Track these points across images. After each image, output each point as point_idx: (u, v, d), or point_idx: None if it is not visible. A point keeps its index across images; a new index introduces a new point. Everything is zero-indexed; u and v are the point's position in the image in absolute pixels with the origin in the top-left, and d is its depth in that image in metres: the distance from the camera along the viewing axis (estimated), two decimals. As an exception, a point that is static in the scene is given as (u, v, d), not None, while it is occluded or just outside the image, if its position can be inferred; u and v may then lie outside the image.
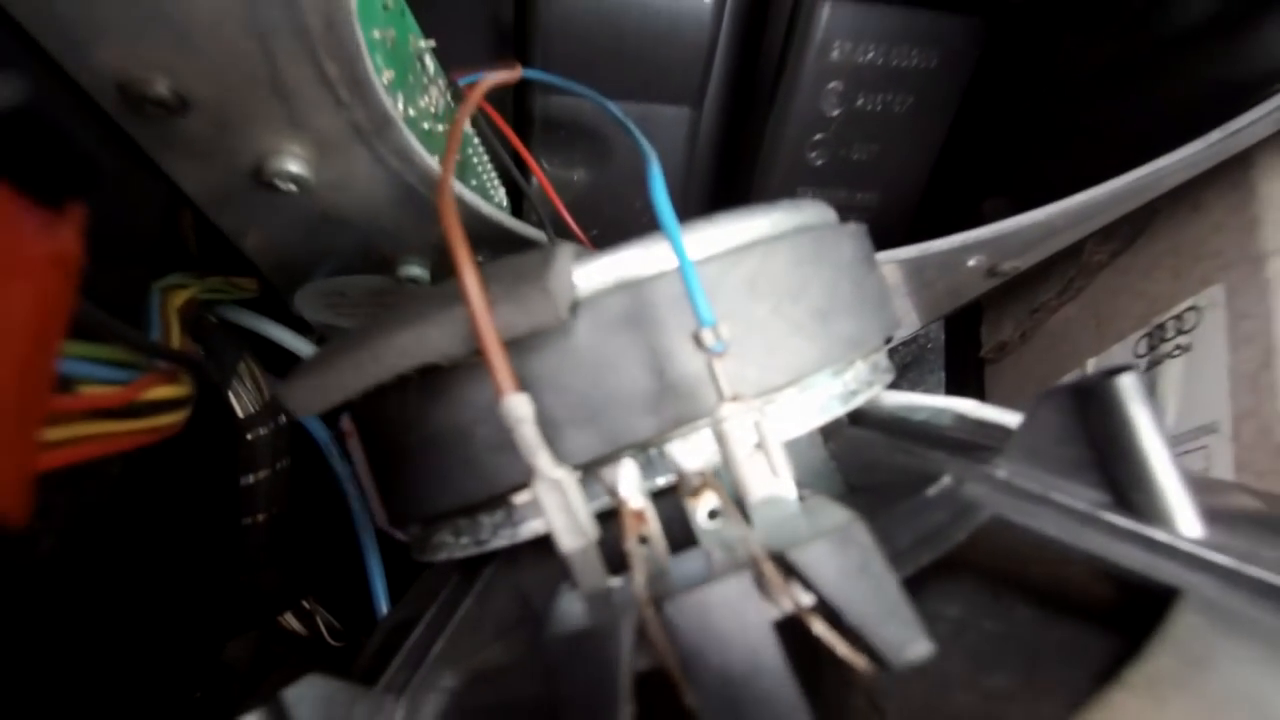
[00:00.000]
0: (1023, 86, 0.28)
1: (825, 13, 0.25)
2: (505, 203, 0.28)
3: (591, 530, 0.09)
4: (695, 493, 0.09)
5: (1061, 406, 0.11)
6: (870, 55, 0.27)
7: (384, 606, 0.27)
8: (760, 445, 0.09)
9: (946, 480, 0.11)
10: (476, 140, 0.25)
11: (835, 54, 0.26)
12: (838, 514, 0.09)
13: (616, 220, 0.31)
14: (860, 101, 0.28)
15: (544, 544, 0.12)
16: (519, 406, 0.09)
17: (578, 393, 0.11)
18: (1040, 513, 0.10)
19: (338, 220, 0.19)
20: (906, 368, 0.41)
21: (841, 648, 0.09)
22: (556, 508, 0.09)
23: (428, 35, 0.22)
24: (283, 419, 0.25)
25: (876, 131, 0.28)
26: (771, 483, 0.09)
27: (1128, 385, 0.10)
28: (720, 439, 0.10)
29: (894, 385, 0.15)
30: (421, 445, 0.12)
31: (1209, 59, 0.21)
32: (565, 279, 0.10)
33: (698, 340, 0.10)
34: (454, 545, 0.12)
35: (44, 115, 0.07)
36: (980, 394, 0.35)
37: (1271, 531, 0.11)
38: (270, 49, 0.13)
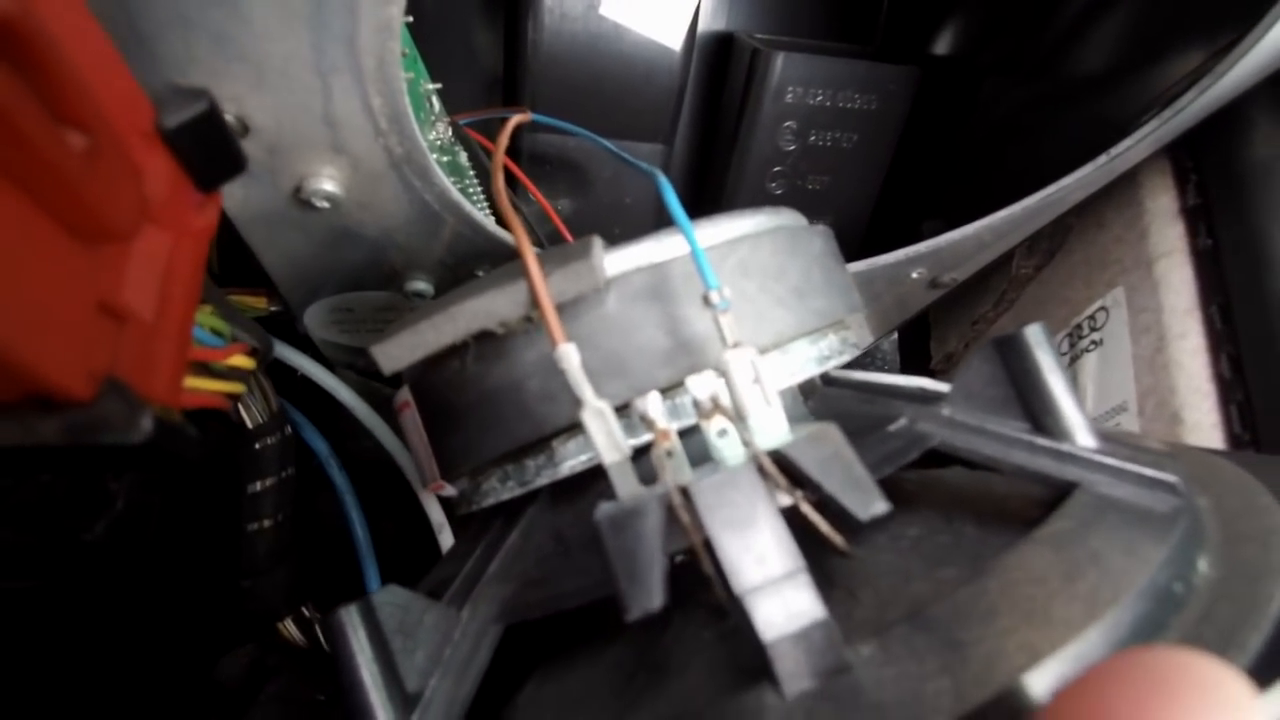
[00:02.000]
0: (951, 123, 0.33)
1: (779, 63, 0.30)
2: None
3: (626, 447, 0.12)
4: (708, 415, 0.12)
5: (989, 357, 0.14)
6: (820, 98, 0.31)
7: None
8: (756, 380, 0.12)
9: (903, 420, 0.14)
10: (472, 172, 0.29)
11: (789, 98, 0.31)
12: (815, 424, 0.12)
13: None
14: (813, 138, 0.32)
15: (573, 488, 0.15)
16: (570, 354, 0.12)
17: (609, 349, 0.14)
18: (977, 440, 0.13)
19: (358, 236, 0.22)
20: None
21: (823, 525, 0.12)
22: (599, 430, 0.12)
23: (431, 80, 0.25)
24: (288, 430, 0.27)
25: (828, 164, 0.33)
26: (764, 408, 0.12)
27: (1034, 334, 0.13)
28: (725, 374, 0.12)
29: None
30: (477, 401, 0.14)
31: (1094, 98, 0.25)
32: (601, 258, 0.13)
33: (706, 300, 0.13)
34: (501, 490, 0.15)
35: (219, 114, 0.10)
36: (933, 401, 0.39)
37: (1148, 448, 0.14)
38: (329, 85, 0.16)
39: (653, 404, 0.12)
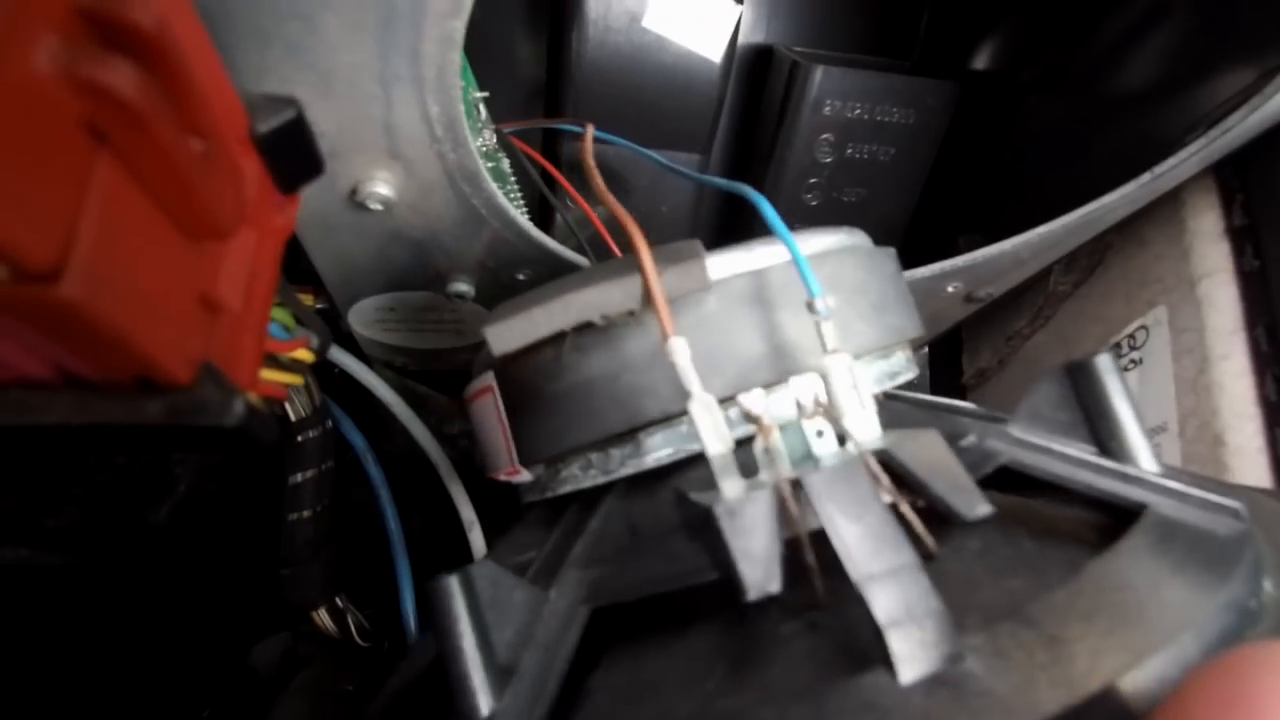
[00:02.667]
0: (989, 138, 0.33)
1: (818, 76, 0.30)
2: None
3: (729, 439, 0.12)
4: (810, 416, 0.13)
5: (1057, 381, 0.14)
6: (857, 112, 0.31)
7: (410, 606, 0.29)
8: (854, 385, 0.13)
9: (972, 436, 0.14)
10: (513, 178, 0.29)
11: (827, 110, 0.31)
12: (912, 430, 0.12)
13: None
14: (849, 151, 0.32)
15: (650, 482, 0.16)
16: (681, 347, 0.13)
17: (709, 347, 0.14)
18: (1046, 459, 0.14)
19: (406, 238, 0.23)
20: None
21: (919, 526, 0.12)
22: (706, 422, 0.12)
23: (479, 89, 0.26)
24: (329, 424, 0.28)
25: (864, 177, 0.33)
26: (860, 411, 0.13)
27: (1104, 362, 0.14)
28: (825, 377, 0.13)
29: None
30: (570, 390, 0.15)
31: (1138, 115, 0.25)
32: (705, 260, 0.14)
33: (810, 307, 0.13)
34: (581, 478, 0.16)
35: (305, 123, 0.11)
36: (964, 416, 0.39)
37: (1206, 477, 0.14)
38: (390, 93, 0.17)
39: (757, 400, 0.13)
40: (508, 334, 0.14)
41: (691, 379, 0.12)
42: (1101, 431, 0.14)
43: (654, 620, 0.14)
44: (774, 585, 0.10)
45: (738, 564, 0.10)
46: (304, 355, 0.15)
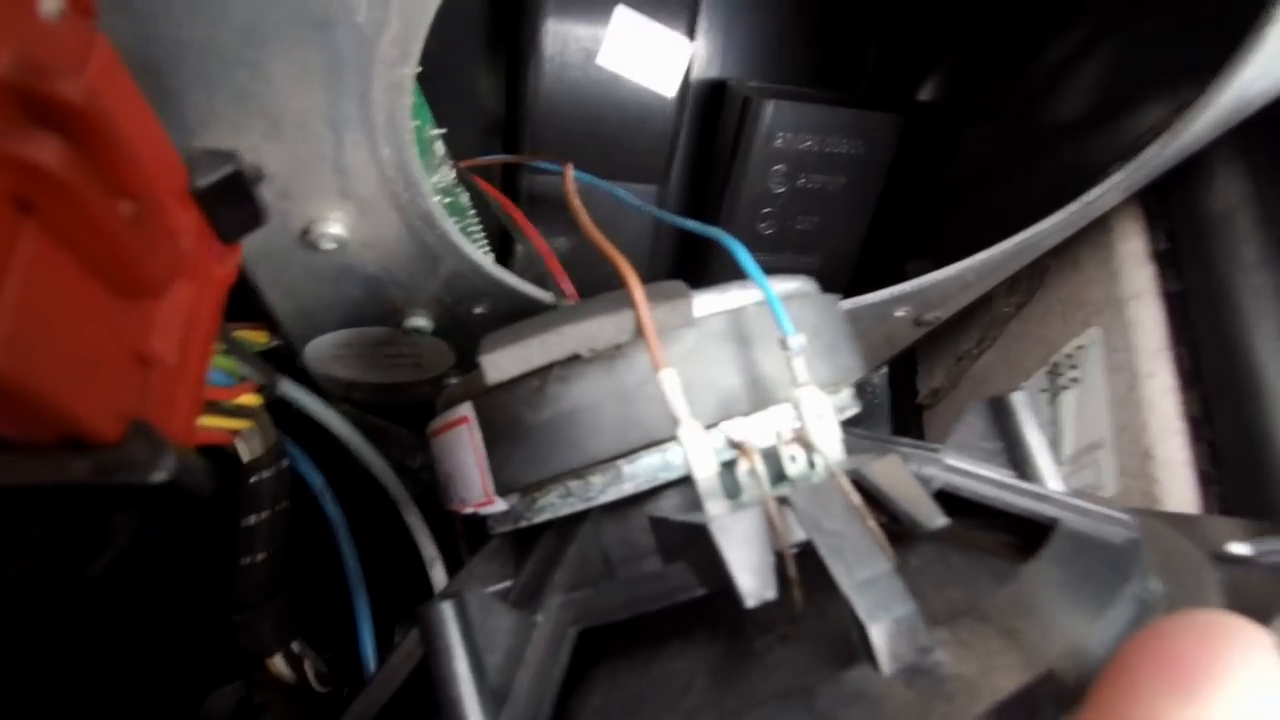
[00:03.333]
0: (935, 168, 0.34)
1: (770, 110, 0.31)
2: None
3: (715, 463, 0.13)
4: (786, 442, 0.14)
5: (981, 414, 0.17)
6: (808, 144, 0.33)
7: (370, 648, 0.29)
8: (821, 415, 0.14)
9: (912, 465, 0.16)
10: (473, 212, 0.30)
11: (779, 143, 0.32)
12: (873, 456, 0.14)
13: (589, 281, 0.35)
14: (801, 181, 0.33)
15: (622, 510, 0.16)
16: (671, 378, 0.14)
17: (691, 379, 0.15)
18: (974, 483, 0.16)
19: (360, 274, 0.23)
20: (858, 419, 0.46)
21: (883, 539, 0.13)
22: (696, 447, 0.13)
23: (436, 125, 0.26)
24: (284, 463, 0.27)
25: (816, 206, 0.34)
26: (830, 437, 0.14)
27: (1019, 399, 0.17)
28: (799, 408, 0.14)
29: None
30: (553, 419, 0.16)
31: (1067, 147, 0.27)
32: (691, 299, 0.15)
33: (783, 344, 0.14)
34: (560, 505, 0.16)
35: (245, 176, 0.11)
36: (921, 436, 0.40)
37: (1098, 496, 0.16)
38: (340, 137, 0.17)
39: (741, 428, 0.14)
40: (504, 363, 0.15)
41: (681, 408, 0.13)
42: (1018, 458, 0.16)
43: (628, 643, 0.15)
44: (770, 592, 0.11)
45: (735, 574, 0.11)
46: (250, 400, 0.15)
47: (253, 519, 0.27)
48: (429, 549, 0.28)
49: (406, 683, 0.16)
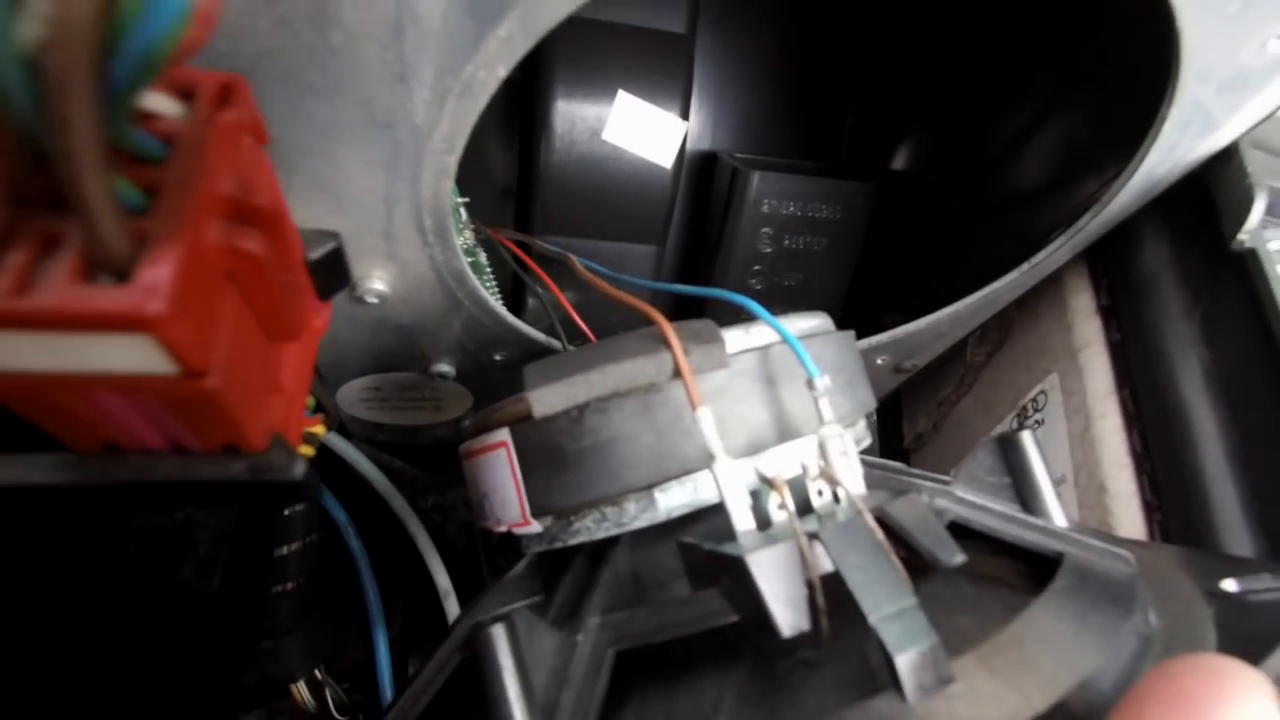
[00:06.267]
0: (907, 230, 0.38)
1: (755, 180, 0.35)
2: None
3: (747, 496, 0.14)
4: (813, 477, 0.14)
5: (990, 450, 0.18)
6: (792, 209, 0.37)
7: (388, 678, 0.31)
8: (844, 451, 0.15)
9: (924, 496, 0.16)
10: (489, 270, 0.33)
11: (765, 208, 0.36)
12: (892, 494, 0.14)
13: (596, 330, 0.38)
14: (787, 242, 0.37)
15: (653, 536, 0.17)
16: (706, 415, 0.15)
17: (722, 414, 0.16)
18: (984, 516, 0.16)
19: (395, 325, 0.26)
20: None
21: (903, 573, 0.13)
22: (730, 480, 0.14)
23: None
24: (315, 497, 0.30)
25: (801, 264, 0.38)
26: (853, 473, 0.15)
27: (1027, 438, 0.18)
28: (824, 445, 0.15)
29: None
30: (591, 448, 0.17)
31: (1018, 215, 0.31)
32: (725, 342, 0.17)
33: (809, 385, 0.16)
34: (594, 529, 0.17)
35: (342, 250, 0.14)
36: (907, 477, 0.43)
37: (1098, 531, 0.18)
38: (392, 210, 0.21)
39: (772, 463, 0.15)
40: (551, 398, 0.16)
41: (716, 443, 0.14)
42: (1025, 494, 0.17)
43: (655, 664, 0.15)
44: (805, 624, 0.12)
45: (771, 606, 0.12)
46: (319, 429, 0.18)
47: (285, 549, 0.29)
48: (443, 581, 0.31)
49: (441, 691, 0.18)
